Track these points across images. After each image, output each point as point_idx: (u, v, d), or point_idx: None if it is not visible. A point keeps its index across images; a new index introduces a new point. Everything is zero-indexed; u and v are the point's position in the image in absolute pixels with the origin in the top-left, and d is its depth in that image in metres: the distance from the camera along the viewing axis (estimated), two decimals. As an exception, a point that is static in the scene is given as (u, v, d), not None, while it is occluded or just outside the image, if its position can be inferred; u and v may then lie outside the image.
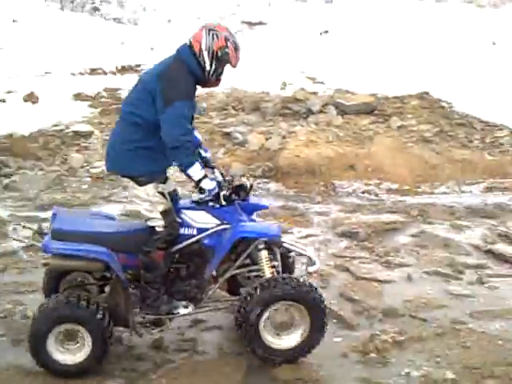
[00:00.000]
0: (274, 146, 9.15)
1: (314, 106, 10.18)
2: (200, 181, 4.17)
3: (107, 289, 4.38)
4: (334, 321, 4.96)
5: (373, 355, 4.49)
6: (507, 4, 19.26)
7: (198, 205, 4.35)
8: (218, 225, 4.34)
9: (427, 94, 10.68)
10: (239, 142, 9.38)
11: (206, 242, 4.34)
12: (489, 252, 6.50)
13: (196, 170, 4.14)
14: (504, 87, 10.92)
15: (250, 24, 16.58)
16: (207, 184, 4.20)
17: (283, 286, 4.21)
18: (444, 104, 10.40)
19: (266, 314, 4.23)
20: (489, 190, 8.59)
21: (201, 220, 4.34)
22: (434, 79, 10.95)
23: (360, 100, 10.31)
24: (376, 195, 8.33)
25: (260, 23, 16.49)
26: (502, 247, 6.56)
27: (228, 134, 9.67)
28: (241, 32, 15.18)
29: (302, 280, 4.30)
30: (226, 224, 4.34)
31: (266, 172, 8.82)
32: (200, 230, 4.31)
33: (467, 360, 4.47)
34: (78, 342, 4.12)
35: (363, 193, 8.35)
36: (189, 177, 4.17)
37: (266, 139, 9.36)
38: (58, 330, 4.04)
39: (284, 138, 9.31)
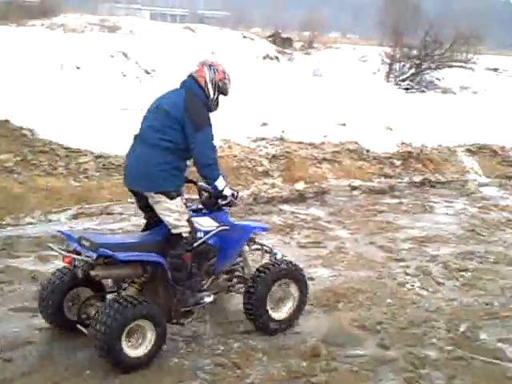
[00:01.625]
0: None
1: None
2: (223, 189, 5.14)
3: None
4: None
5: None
6: (93, 28, 20.05)
7: (215, 210, 5.39)
8: (218, 227, 5.29)
9: (8, 122, 10.20)
10: None
11: (210, 242, 5.26)
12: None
13: (221, 181, 5.11)
14: (87, 112, 11.08)
15: None
16: (228, 191, 5.20)
17: (286, 266, 5.49)
18: (26, 132, 10.02)
19: (272, 290, 5.38)
20: (76, 216, 8.53)
21: (206, 224, 5.26)
22: (15, 106, 10.53)
23: None
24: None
25: None
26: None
27: None
28: None
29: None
30: (224, 225, 5.33)
31: None
32: (206, 233, 5.23)
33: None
34: (139, 338, 4.67)
35: None
36: (215, 187, 5.10)
37: None
38: (129, 327, 4.54)
39: None
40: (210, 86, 5.13)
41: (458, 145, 12.57)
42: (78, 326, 4.94)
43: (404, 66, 22.38)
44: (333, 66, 20.02)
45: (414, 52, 22.43)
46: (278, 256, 5.81)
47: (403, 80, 21.62)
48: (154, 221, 5.13)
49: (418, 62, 22.16)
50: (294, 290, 5.53)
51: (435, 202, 10.18)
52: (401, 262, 7.35)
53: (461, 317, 5.87)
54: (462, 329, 5.62)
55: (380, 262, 7.33)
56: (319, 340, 5.30)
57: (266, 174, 10.95)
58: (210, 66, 5.20)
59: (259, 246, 5.93)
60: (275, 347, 5.20)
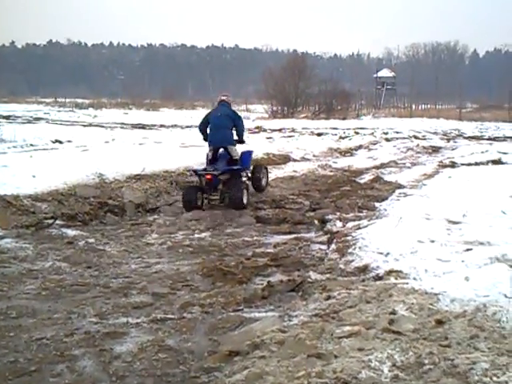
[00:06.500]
0: None
1: None
2: (244, 139, 14.93)
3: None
4: None
5: None
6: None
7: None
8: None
9: None
10: None
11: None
12: None
13: (245, 137, 14.76)
14: None
15: None
16: (246, 139, 15.48)
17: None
18: None
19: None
20: None
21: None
22: None
23: None
24: None
25: None
26: None
27: None
28: None
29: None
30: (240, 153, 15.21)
31: None
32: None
33: None
34: (245, 195, 14.07)
35: None
36: (243, 138, 14.93)
37: None
38: (244, 190, 14.03)
39: None
40: (231, 103, 14.92)
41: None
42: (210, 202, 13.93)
43: None
44: None
45: None
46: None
47: None
48: (213, 160, 14.21)
49: None
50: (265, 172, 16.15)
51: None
52: None
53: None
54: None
55: None
56: None
57: None
58: (227, 95, 15.11)
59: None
60: None
